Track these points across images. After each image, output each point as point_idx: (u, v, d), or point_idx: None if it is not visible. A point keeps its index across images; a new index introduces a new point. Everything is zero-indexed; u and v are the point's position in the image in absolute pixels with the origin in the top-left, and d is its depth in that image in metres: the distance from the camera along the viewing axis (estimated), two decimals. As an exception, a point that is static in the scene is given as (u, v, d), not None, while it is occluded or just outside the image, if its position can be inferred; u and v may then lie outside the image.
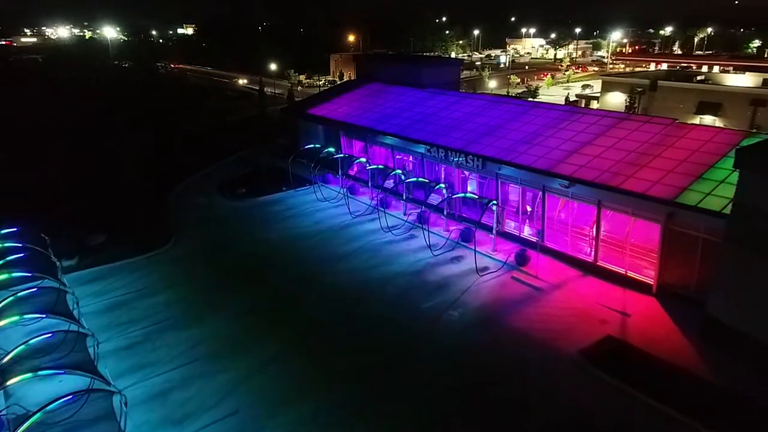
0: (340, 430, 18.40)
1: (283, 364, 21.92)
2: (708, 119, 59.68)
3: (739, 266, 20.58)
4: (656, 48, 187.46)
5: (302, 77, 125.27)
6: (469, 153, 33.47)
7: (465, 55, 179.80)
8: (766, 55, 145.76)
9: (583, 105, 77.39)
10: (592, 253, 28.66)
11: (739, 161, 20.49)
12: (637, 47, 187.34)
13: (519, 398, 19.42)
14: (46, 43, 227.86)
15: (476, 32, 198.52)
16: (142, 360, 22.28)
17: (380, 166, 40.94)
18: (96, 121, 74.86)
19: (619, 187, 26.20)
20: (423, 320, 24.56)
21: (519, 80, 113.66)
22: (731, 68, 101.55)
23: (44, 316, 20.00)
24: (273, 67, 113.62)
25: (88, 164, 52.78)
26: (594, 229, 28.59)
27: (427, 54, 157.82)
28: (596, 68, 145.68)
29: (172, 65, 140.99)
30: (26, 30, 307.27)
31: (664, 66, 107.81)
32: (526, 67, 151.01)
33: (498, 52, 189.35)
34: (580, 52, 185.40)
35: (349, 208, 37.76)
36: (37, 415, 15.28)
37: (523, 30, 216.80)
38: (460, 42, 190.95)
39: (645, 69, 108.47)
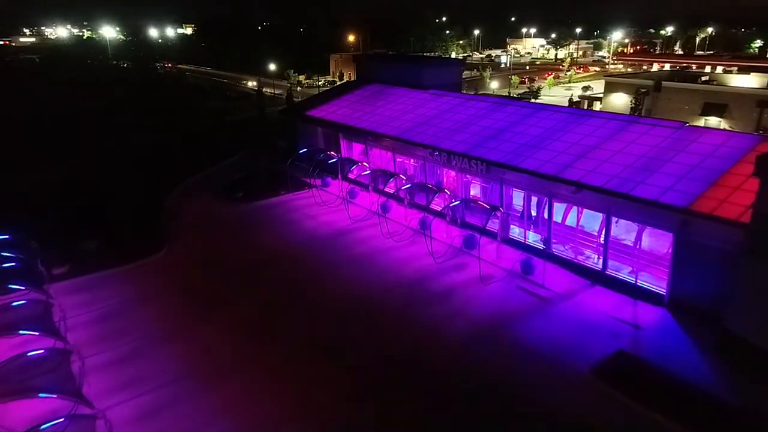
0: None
1: (281, 381, 20.89)
2: (713, 120, 58.72)
3: (759, 279, 19.57)
4: (657, 48, 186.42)
5: (302, 77, 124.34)
6: (472, 157, 32.44)
7: (465, 55, 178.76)
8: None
9: (585, 106, 76.56)
10: (600, 261, 27.65)
11: (760, 169, 19.48)
12: (638, 47, 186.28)
13: (528, 419, 18.41)
14: (44, 42, 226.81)
15: (476, 32, 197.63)
16: (131, 375, 21.19)
17: (381, 170, 39.95)
18: (92, 121, 74.08)
19: (629, 194, 25.15)
20: (425, 333, 23.52)
21: (520, 80, 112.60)
22: (734, 69, 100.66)
23: (26, 332, 18.95)
24: (272, 67, 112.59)
25: (81, 166, 51.89)
26: (603, 237, 27.61)
27: (427, 54, 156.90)
28: (598, 68, 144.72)
29: (167, 65, 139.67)
30: (25, 30, 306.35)
31: (667, 66, 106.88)
32: (527, 67, 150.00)
33: (498, 52, 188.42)
34: (580, 52, 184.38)
35: (348, 213, 36.73)
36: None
37: (524, 30, 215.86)
38: (461, 42, 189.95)
39: (648, 70, 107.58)
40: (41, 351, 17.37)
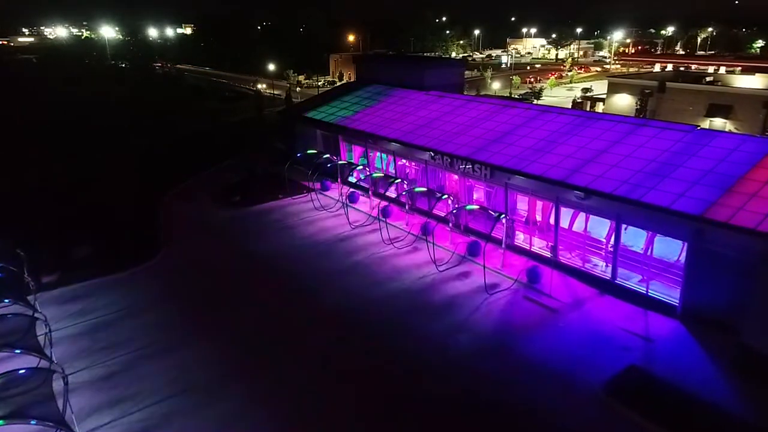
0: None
1: (278, 397, 19.92)
2: (718, 122, 57.78)
3: (779, 292, 18.65)
4: (658, 48, 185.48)
5: (301, 77, 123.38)
6: (476, 161, 31.48)
7: (465, 55, 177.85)
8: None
9: (588, 107, 75.58)
10: (609, 269, 26.69)
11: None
12: (639, 47, 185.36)
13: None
14: (43, 42, 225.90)
15: (476, 32, 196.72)
16: (122, 393, 20.23)
17: (381, 174, 39.01)
18: (88, 122, 73.19)
19: (640, 201, 24.19)
20: (428, 347, 22.52)
21: (524, 80, 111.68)
22: (737, 69, 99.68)
23: (3, 351, 17.96)
24: (272, 67, 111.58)
25: (74, 168, 50.97)
26: (611, 244, 26.66)
27: (427, 54, 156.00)
28: (599, 68, 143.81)
29: (161, 65, 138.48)
30: (24, 30, 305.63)
31: (669, 67, 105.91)
32: (528, 68, 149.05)
33: (499, 52, 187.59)
34: (581, 53, 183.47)
35: (348, 218, 35.77)
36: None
37: (524, 30, 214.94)
38: (461, 42, 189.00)
39: (650, 70, 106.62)
40: (22, 371, 16.36)
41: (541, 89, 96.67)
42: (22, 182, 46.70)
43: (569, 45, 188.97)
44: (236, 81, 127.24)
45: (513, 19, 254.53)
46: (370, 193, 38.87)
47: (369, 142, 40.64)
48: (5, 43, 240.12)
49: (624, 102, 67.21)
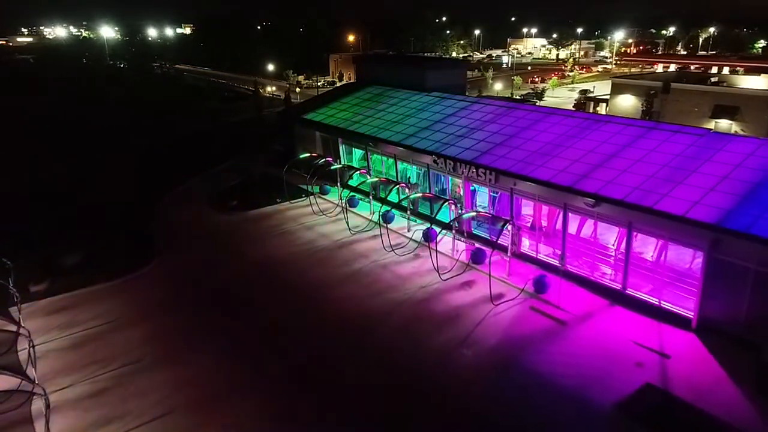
0: None
1: (276, 412, 18.88)
2: (724, 123, 56.81)
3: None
4: (660, 48, 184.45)
5: (301, 78, 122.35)
6: (480, 165, 30.42)
7: (466, 55, 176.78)
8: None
9: (591, 109, 74.51)
10: (621, 279, 25.61)
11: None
12: (641, 47, 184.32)
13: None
14: (42, 42, 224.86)
15: (477, 32, 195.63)
16: (109, 413, 19.13)
17: (382, 177, 37.94)
18: (84, 123, 72.14)
19: (653, 208, 23.12)
20: (432, 362, 21.45)
21: (522, 81, 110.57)
22: (740, 69, 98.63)
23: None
24: (271, 67, 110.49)
25: (73, 169, 49.96)
26: (621, 251, 25.61)
27: (428, 54, 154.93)
28: (601, 69, 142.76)
29: (160, 65, 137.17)
30: (23, 30, 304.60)
31: (672, 67, 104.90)
32: (529, 68, 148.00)
33: (499, 52, 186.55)
34: (582, 53, 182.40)
35: (348, 223, 34.71)
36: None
37: (524, 30, 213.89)
38: (461, 42, 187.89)
39: (652, 70, 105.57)
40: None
41: (543, 90, 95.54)
42: (19, 183, 45.68)
43: (570, 45, 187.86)
44: (236, 81, 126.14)
45: (513, 19, 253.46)
46: (370, 197, 37.81)
47: (369, 145, 39.58)
48: (4, 43, 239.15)
49: (628, 103, 66.19)
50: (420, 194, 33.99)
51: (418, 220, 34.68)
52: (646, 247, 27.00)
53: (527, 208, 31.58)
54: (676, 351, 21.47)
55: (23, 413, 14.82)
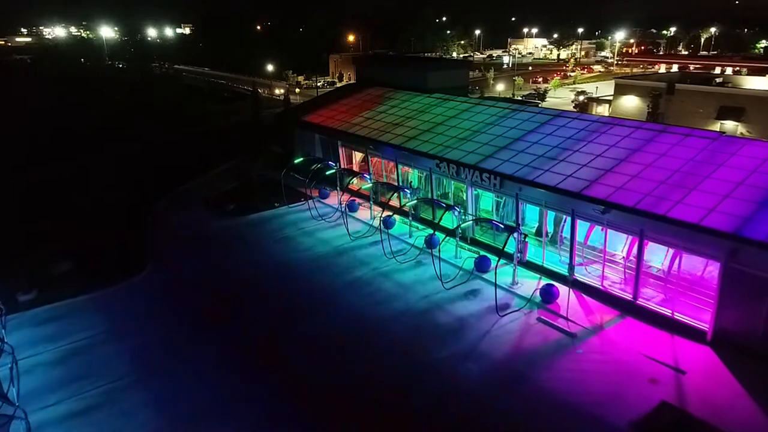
0: None
1: (272, 429, 17.98)
2: (730, 125, 55.81)
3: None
4: (661, 48, 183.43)
5: (301, 78, 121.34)
6: (484, 170, 29.43)
7: (466, 55, 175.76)
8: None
9: (593, 111, 73.49)
10: (632, 289, 24.62)
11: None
12: (642, 47, 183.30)
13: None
14: (41, 42, 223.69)
15: (477, 32, 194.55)
16: (100, 430, 18.24)
17: (383, 181, 36.96)
18: (81, 124, 71.11)
19: (667, 216, 22.14)
20: (435, 377, 20.49)
21: (524, 81, 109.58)
22: (744, 70, 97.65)
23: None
24: (271, 68, 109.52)
25: (58, 175, 48.92)
26: (633, 262, 24.63)
27: (428, 54, 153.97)
28: (602, 69, 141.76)
29: (159, 65, 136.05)
30: (23, 30, 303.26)
31: (675, 68, 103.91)
32: (530, 68, 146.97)
33: (499, 52, 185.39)
34: (583, 53, 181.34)
35: (347, 229, 33.74)
36: None
37: (525, 30, 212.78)
38: (461, 42, 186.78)
39: (655, 70, 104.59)
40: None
41: (545, 90, 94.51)
42: (13, 183, 44.79)
43: (571, 45, 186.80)
44: (235, 81, 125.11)
45: (513, 19, 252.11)
46: (370, 202, 36.84)
47: (369, 148, 38.60)
48: (2, 43, 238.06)
49: (631, 104, 65.14)
50: (414, 200, 33.00)
51: (420, 225, 33.72)
52: (654, 254, 25.99)
53: (534, 215, 30.47)
54: (691, 365, 20.51)
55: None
